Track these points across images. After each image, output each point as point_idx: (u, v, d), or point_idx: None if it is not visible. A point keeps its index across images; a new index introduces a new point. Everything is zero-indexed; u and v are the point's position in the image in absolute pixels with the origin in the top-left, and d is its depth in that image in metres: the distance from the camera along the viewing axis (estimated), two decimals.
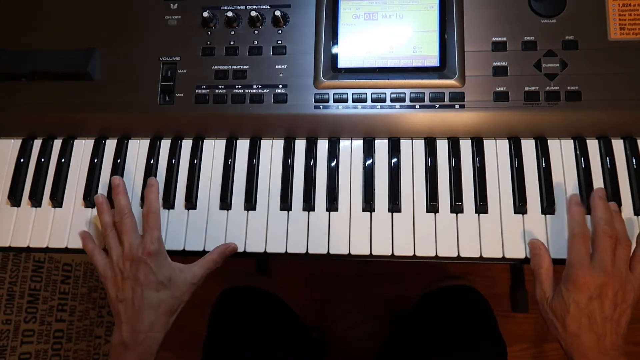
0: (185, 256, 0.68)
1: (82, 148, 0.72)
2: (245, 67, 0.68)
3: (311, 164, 0.68)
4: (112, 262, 0.62)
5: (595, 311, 0.56)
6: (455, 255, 0.64)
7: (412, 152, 0.68)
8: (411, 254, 0.64)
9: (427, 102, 0.65)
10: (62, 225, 0.69)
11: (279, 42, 0.69)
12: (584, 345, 0.56)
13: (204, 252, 0.67)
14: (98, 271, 0.64)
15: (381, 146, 0.69)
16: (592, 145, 0.66)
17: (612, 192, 0.64)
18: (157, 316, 0.60)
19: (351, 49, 0.68)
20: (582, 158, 0.65)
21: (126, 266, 0.61)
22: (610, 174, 0.64)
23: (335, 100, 0.66)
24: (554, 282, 0.60)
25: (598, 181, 0.65)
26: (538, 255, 0.61)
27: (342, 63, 0.67)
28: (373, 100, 0.66)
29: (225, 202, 0.68)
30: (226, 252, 0.65)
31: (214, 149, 0.70)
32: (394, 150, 0.68)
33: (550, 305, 0.58)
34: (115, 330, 0.62)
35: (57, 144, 0.73)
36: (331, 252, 0.65)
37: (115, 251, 0.62)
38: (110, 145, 0.72)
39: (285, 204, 0.67)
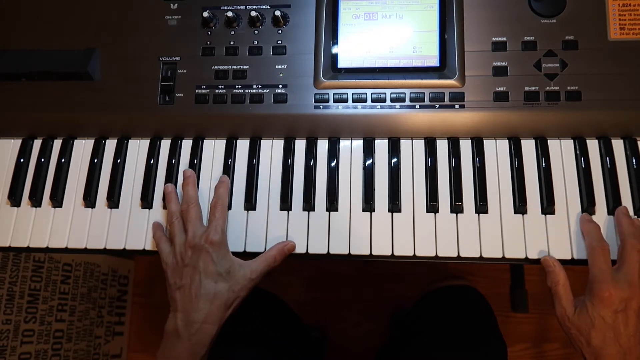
0: None
1: (82, 148, 0.72)
2: (245, 67, 0.68)
3: (311, 164, 0.68)
4: (174, 249, 0.63)
5: (621, 325, 0.55)
6: (455, 255, 0.64)
7: (412, 152, 0.68)
8: (411, 254, 0.64)
9: (427, 102, 0.65)
10: (62, 225, 0.69)
11: (279, 42, 0.69)
12: (607, 359, 0.55)
13: None
14: (161, 258, 0.64)
15: (381, 146, 0.69)
16: (592, 145, 0.66)
17: (612, 192, 0.64)
18: (212, 307, 0.60)
19: (351, 49, 0.68)
20: (582, 158, 0.65)
21: (188, 253, 0.61)
22: (610, 174, 0.64)
23: (335, 100, 0.66)
24: (572, 297, 0.59)
25: (598, 181, 0.65)
26: (553, 272, 0.60)
27: (342, 63, 0.67)
28: (373, 100, 0.66)
29: None
30: (285, 250, 0.64)
31: (214, 149, 0.70)
32: (394, 150, 0.68)
33: (572, 321, 0.57)
34: (170, 317, 0.61)
35: (57, 144, 0.73)
36: (331, 252, 0.65)
37: (178, 238, 0.63)
38: (110, 145, 0.72)
39: (285, 204, 0.67)
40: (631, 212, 0.63)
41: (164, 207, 0.69)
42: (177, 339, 0.59)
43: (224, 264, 0.61)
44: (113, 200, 0.69)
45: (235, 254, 0.66)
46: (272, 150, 0.70)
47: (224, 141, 0.71)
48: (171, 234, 0.64)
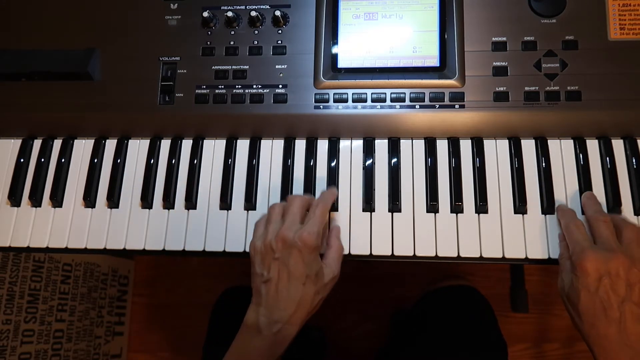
0: (185, 256, 0.68)
1: (82, 148, 0.72)
2: (245, 67, 0.68)
3: (311, 164, 0.68)
4: (266, 235, 0.58)
5: (609, 293, 0.53)
6: (455, 255, 0.64)
7: (412, 152, 0.68)
8: (411, 254, 0.64)
9: (427, 102, 0.65)
10: (62, 225, 0.69)
11: (279, 42, 0.69)
12: (601, 335, 0.53)
13: (204, 252, 0.67)
14: (252, 239, 0.60)
15: (381, 146, 0.69)
16: (592, 145, 0.66)
17: (612, 192, 0.64)
18: (296, 310, 0.57)
19: (351, 49, 0.68)
20: (582, 158, 0.65)
21: (278, 246, 0.57)
22: (610, 174, 0.64)
23: (335, 100, 0.66)
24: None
25: (598, 181, 0.65)
26: (564, 247, 0.60)
27: (342, 63, 0.67)
28: (373, 100, 0.66)
29: (225, 202, 0.68)
30: (337, 232, 0.63)
31: (214, 149, 0.70)
32: (394, 150, 0.68)
33: (566, 294, 0.57)
34: (251, 309, 0.59)
35: (57, 144, 0.73)
36: None
37: (274, 225, 0.59)
38: (110, 145, 0.72)
39: None
40: (631, 212, 0.64)
41: (164, 207, 0.69)
42: (257, 334, 0.57)
43: (313, 267, 0.58)
44: (113, 200, 0.69)
45: (235, 254, 0.66)
46: (272, 150, 0.70)
47: (224, 141, 0.70)
48: (269, 218, 0.60)
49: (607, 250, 0.55)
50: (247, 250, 0.66)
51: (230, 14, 0.68)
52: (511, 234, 0.64)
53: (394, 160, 0.67)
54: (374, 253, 0.65)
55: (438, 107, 0.65)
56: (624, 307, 0.53)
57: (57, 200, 0.70)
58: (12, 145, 0.73)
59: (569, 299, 0.56)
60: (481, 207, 0.65)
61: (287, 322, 0.57)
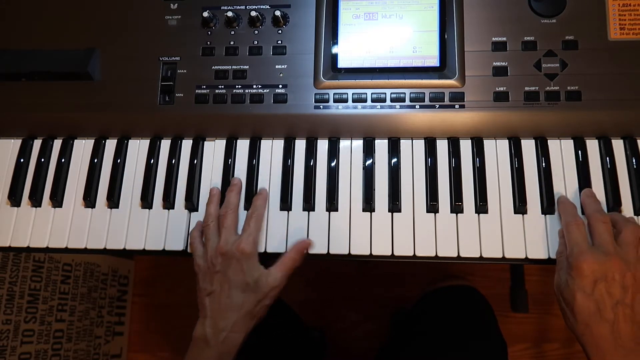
0: (185, 256, 0.68)
1: (82, 148, 0.72)
2: (245, 67, 0.68)
3: (311, 164, 0.68)
4: (207, 252, 0.63)
5: (603, 295, 0.54)
6: (455, 255, 0.64)
7: (412, 152, 0.68)
8: (411, 254, 0.64)
9: (427, 102, 0.65)
10: (62, 225, 0.69)
11: (279, 42, 0.69)
12: (595, 335, 0.54)
13: None
14: (194, 259, 0.64)
15: (381, 146, 0.69)
16: (592, 145, 0.66)
17: (612, 192, 0.64)
18: (238, 317, 0.60)
19: (351, 49, 0.68)
20: (582, 158, 0.65)
21: (218, 259, 0.61)
22: (610, 174, 0.64)
23: (335, 100, 0.66)
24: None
25: (598, 181, 0.65)
26: (562, 245, 0.60)
27: (342, 63, 0.67)
28: (373, 100, 0.66)
29: None
30: (302, 248, 0.64)
31: (214, 149, 0.70)
32: (394, 150, 0.68)
33: (561, 292, 0.57)
34: (198, 323, 0.62)
35: (57, 144, 0.73)
36: (331, 252, 0.65)
37: (212, 242, 0.63)
38: (110, 145, 0.72)
39: (285, 204, 0.67)
40: (631, 212, 0.64)
41: (164, 207, 0.69)
42: (206, 345, 0.60)
43: (252, 274, 0.61)
44: (113, 200, 0.69)
45: None
46: (272, 150, 0.70)
47: (224, 141, 0.71)
48: (206, 236, 0.64)
49: (604, 253, 0.56)
50: None
51: (230, 14, 0.68)
52: (511, 234, 0.64)
53: (394, 160, 0.67)
54: (374, 253, 0.65)
55: (438, 107, 0.65)
56: (617, 309, 0.54)
57: (57, 200, 0.70)
58: (12, 145, 0.73)
59: (564, 297, 0.57)
60: (481, 207, 0.65)
61: (231, 329, 0.60)
